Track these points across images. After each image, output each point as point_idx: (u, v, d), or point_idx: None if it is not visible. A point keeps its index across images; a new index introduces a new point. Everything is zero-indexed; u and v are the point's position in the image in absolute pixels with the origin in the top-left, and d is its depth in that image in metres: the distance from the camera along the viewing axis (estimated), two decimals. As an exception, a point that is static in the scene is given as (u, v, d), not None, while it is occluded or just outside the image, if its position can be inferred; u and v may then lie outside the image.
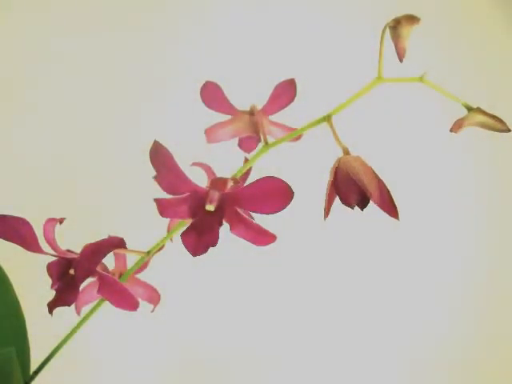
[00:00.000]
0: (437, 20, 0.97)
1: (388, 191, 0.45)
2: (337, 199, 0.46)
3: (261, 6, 0.99)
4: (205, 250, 0.43)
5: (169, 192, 0.43)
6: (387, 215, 0.46)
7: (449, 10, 1.00)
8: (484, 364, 0.98)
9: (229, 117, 0.56)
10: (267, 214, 0.43)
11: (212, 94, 0.55)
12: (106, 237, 0.47)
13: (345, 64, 0.96)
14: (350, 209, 0.44)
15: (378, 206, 0.45)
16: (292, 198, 0.42)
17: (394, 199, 0.45)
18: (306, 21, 0.99)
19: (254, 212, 0.44)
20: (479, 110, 0.46)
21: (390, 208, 0.45)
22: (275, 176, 0.43)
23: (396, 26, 0.46)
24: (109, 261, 0.53)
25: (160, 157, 0.42)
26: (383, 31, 0.47)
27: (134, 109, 0.95)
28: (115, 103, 0.95)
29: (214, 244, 0.43)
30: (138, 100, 0.95)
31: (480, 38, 1.01)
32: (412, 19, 0.46)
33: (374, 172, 0.45)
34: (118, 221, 0.89)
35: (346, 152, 0.46)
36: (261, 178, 0.43)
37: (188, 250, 0.43)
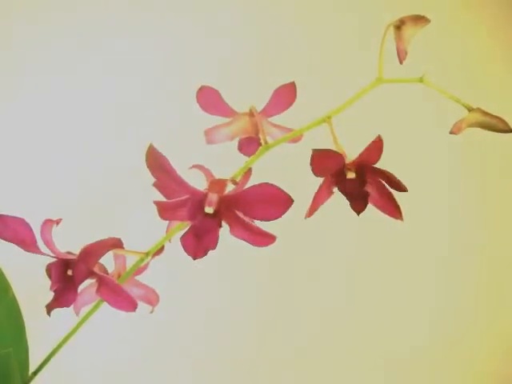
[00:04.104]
0: (437, 20, 0.96)
1: (390, 192, 0.45)
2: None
3: (261, 5, 0.98)
4: (204, 253, 0.43)
5: (167, 195, 0.43)
6: (389, 216, 0.45)
7: (449, 9, 1.00)
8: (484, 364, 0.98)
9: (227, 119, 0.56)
10: (264, 220, 0.42)
11: (208, 98, 0.54)
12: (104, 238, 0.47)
13: (345, 64, 0.96)
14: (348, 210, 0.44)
15: (379, 207, 0.45)
16: (290, 205, 0.41)
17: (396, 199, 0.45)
18: (305, 21, 0.98)
19: (251, 218, 0.43)
20: (480, 111, 0.45)
21: (393, 209, 0.45)
22: (273, 183, 0.42)
23: (400, 26, 0.45)
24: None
25: (155, 161, 0.41)
26: (385, 31, 0.46)
27: (134, 109, 0.95)
28: (115, 105, 0.95)
29: (213, 246, 0.43)
30: (137, 101, 0.95)
31: (480, 37, 1.01)
32: (418, 20, 0.45)
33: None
34: (118, 222, 0.89)
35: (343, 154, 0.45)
36: (258, 184, 0.42)
37: (188, 253, 0.43)
